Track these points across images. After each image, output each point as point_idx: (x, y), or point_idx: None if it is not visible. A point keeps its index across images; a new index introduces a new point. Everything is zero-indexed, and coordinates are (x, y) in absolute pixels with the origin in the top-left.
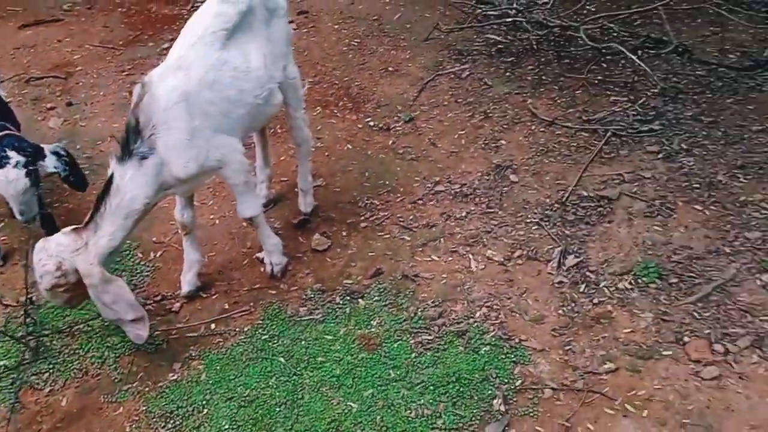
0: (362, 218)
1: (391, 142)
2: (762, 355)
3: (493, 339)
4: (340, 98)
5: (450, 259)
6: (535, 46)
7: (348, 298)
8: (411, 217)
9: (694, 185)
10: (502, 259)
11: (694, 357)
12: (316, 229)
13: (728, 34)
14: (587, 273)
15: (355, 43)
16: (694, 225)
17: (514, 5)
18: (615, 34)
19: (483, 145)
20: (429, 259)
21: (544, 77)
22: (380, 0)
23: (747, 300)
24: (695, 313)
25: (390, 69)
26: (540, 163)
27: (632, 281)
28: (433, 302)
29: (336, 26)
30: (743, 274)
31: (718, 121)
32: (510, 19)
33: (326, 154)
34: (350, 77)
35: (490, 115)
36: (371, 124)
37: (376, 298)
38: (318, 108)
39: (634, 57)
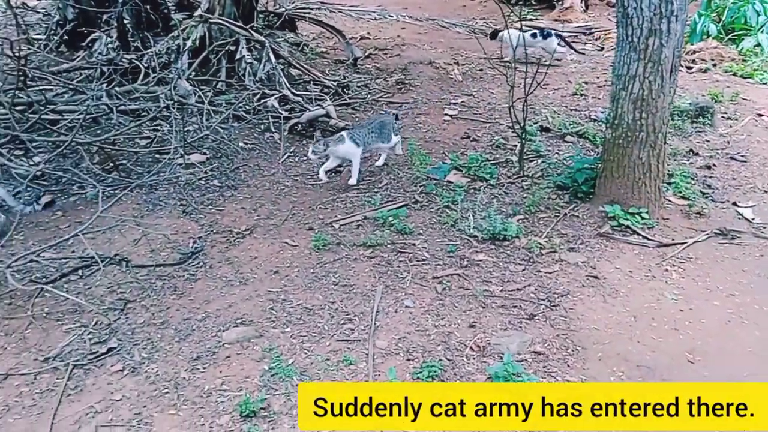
0: None
1: None
2: None
3: None
4: None
5: None
6: None
7: None
8: None
9: (164, 390)
10: None
11: None
12: None
13: (153, 234)
14: None
15: None
16: (173, 430)
17: None
18: (49, 265)
19: None
20: None
21: None
22: None
23: None
24: None
25: None
26: (4, 425)
27: None
28: None
29: None
30: None
31: (167, 320)
32: None
33: None
34: None
35: None
36: None
37: None
38: None
39: (60, 291)
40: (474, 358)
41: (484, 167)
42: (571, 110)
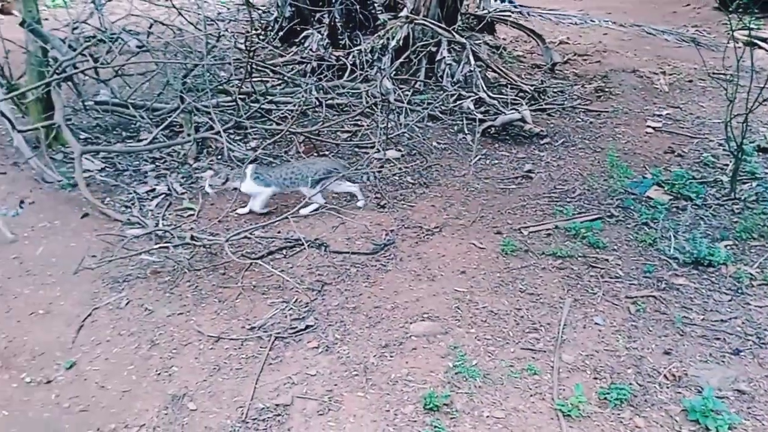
0: None
1: (54, 396)
2: None
3: None
4: None
5: None
6: (188, 261)
7: None
8: None
9: (353, 372)
10: None
11: None
12: None
13: (350, 223)
14: None
15: None
16: (361, 412)
17: (160, 224)
18: (258, 242)
19: (156, 377)
20: None
21: (203, 291)
22: (18, 235)
23: None
24: None
25: (41, 311)
26: (215, 383)
27: None
28: None
29: None
30: None
31: (359, 305)
32: (161, 242)
33: None
34: None
35: (157, 342)
36: (28, 380)
37: None
38: None
39: (270, 267)
40: (668, 387)
41: (690, 185)
42: None
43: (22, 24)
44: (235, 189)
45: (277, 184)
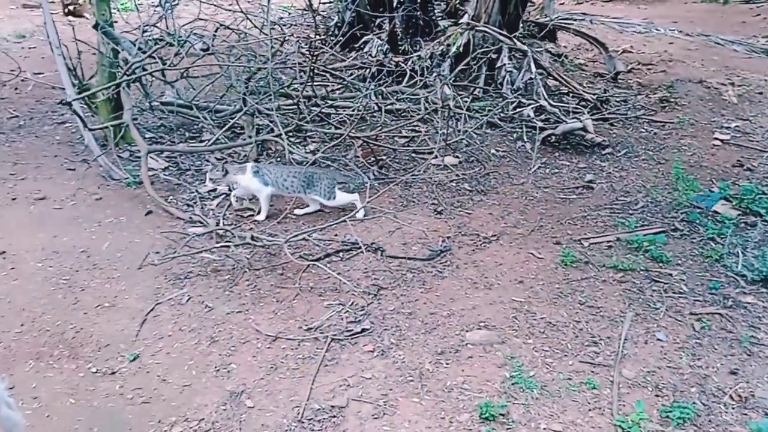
0: None
1: (118, 386)
2: None
3: None
4: (54, 346)
5: None
6: (248, 261)
7: None
8: None
9: (408, 378)
10: None
11: None
12: None
13: (406, 228)
14: None
15: (64, 281)
16: (416, 418)
17: (221, 224)
18: (316, 244)
19: (215, 373)
20: None
21: (261, 291)
22: (86, 230)
23: None
24: None
25: (106, 304)
26: (272, 381)
27: None
28: None
29: (40, 264)
30: None
31: (415, 311)
32: (222, 242)
33: (46, 415)
34: (63, 320)
35: (217, 339)
36: (93, 370)
37: None
38: (30, 362)
39: (327, 269)
40: (733, 408)
41: (760, 201)
42: None
43: (95, 26)
44: (235, 184)
45: (276, 185)
